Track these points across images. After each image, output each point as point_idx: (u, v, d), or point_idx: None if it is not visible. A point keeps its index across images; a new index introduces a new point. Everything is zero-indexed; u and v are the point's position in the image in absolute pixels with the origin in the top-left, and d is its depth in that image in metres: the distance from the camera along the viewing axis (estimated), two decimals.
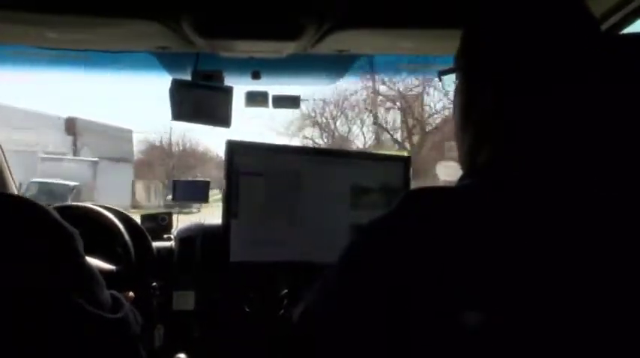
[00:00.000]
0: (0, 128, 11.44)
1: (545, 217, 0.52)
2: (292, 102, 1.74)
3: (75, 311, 0.69)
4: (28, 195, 7.99)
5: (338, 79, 1.77)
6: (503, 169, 0.58)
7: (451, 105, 0.79)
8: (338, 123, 18.62)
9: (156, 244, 1.62)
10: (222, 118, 1.48)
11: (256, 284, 1.48)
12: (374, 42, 1.30)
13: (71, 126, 17.05)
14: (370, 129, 17.85)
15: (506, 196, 0.54)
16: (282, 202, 1.38)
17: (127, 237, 1.49)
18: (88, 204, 1.57)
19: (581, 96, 0.58)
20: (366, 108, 17.45)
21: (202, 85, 1.45)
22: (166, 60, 1.52)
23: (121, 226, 1.50)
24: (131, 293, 1.14)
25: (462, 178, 0.64)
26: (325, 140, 18.51)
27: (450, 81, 0.70)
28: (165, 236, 1.71)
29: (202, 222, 1.73)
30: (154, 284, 1.51)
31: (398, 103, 16.54)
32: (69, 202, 4.70)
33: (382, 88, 16.01)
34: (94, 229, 1.41)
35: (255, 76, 1.56)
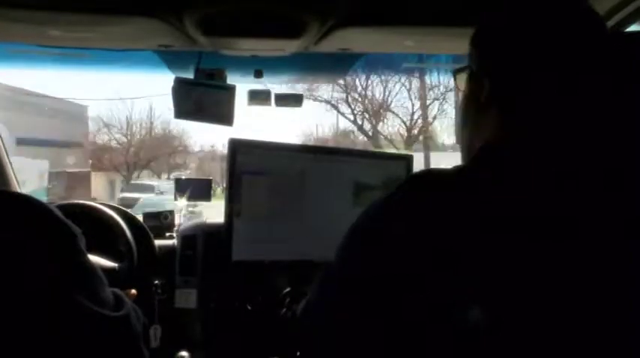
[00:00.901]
0: None
1: (543, 209, 0.52)
2: (295, 100, 1.74)
3: (77, 309, 0.69)
4: None
5: (340, 78, 1.77)
6: (503, 155, 0.59)
7: None
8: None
9: (158, 242, 1.63)
10: (224, 116, 1.48)
11: (258, 283, 1.48)
12: (376, 40, 1.30)
13: None
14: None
15: (504, 186, 0.54)
16: (284, 201, 1.38)
17: (129, 234, 1.49)
18: (91, 202, 1.58)
19: (588, 92, 0.58)
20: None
21: (205, 84, 1.45)
22: (169, 58, 1.52)
23: (123, 224, 1.50)
24: (133, 291, 1.14)
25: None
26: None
27: (464, 80, 0.70)
28: (167, 234, 1.72)
29: (205, 220, 1.74)
30: (156, 282, 1.52)
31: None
32: None
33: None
34: (97, 227, 1.41)
35: (258, 74, 1.56)
